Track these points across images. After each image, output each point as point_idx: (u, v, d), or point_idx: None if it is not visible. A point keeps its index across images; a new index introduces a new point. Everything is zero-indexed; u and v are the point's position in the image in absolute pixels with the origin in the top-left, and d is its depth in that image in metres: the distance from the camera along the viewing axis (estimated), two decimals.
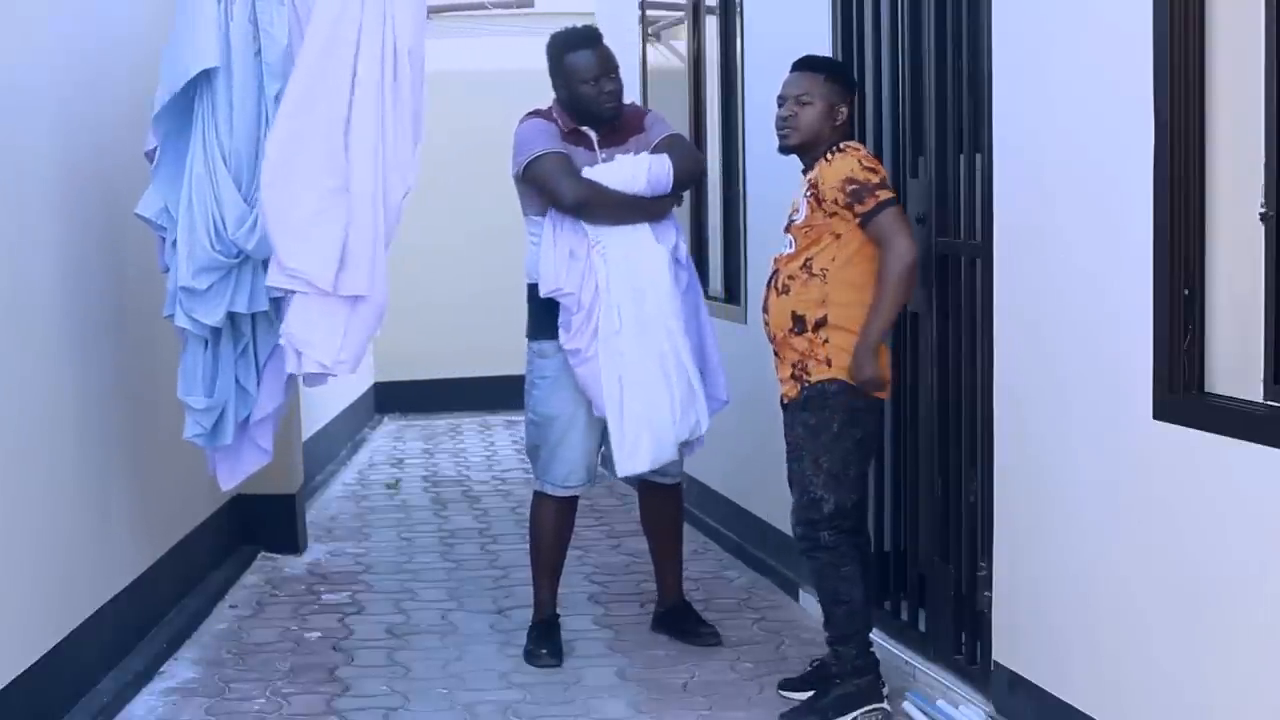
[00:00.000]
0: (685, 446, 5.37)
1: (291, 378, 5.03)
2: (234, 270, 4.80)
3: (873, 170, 4.53)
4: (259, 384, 4.97)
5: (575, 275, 5.18)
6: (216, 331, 4.89)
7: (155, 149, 4.91)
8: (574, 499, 5.51)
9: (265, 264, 4.81)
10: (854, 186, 4.48)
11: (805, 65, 4.74)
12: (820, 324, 4.55)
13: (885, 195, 4.49)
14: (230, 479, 5.13)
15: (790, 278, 4.61)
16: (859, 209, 4.48)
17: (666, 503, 5.64)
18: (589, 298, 5.18)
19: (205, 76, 4.77)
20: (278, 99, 4.79)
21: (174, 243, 4.84)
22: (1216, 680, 3.50)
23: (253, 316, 4.92)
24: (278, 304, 4.90)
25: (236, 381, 4.94)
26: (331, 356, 4.77)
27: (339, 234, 4.67)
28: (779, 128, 4.70)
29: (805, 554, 4.71)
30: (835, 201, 4.50)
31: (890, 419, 5.10)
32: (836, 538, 4.61)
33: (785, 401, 4.70)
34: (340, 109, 4.68)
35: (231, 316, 4.86)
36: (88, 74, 5.07)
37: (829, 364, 4.55)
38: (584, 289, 5.18)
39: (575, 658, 5.41)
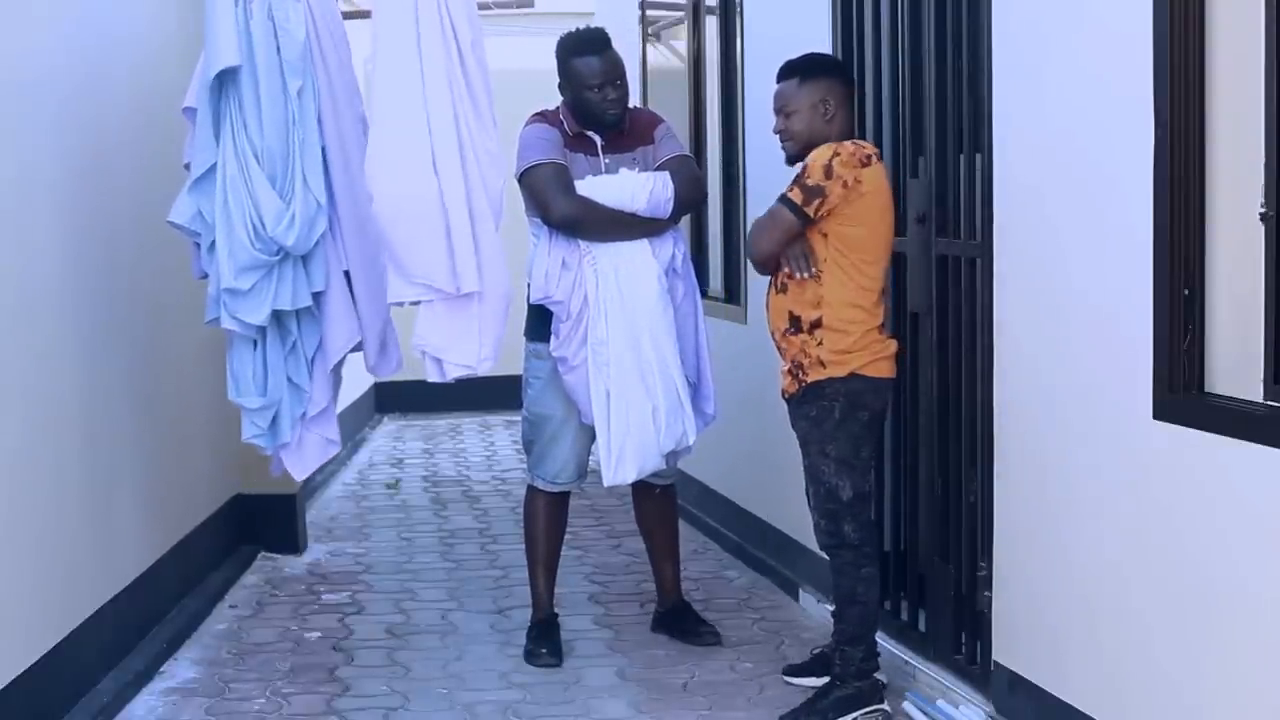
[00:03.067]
0: (671, 455, 5.36)
1: (336, 367, 5.09)
2: (275, 268, 4.82)
3: (825, 172, 4.45)
4: (311, 379, 4.99)
5: (566, 284, 5.16)
6: (263, 331, 4.90)
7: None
8: (565, 494, 5.53)
9: (305, 260, 4.87)
10: (799, 172, 4.52)
11: (780, 75, 4.76)
12: (815, 325, 4.56)
13: (791, 195, 4.48)
14: (303, 471, 5.19)
15: (788, 276, 4.63)
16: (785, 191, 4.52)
17: (660, 504, 5.65)
18: (578, 306, 5.16)
19: (231, 78, 4.78)
20: (300, 95, 4.82)
21: (209, 247, 4.85)
22: (1216, 680, 3.51)
23: (296, 313, 4.93)
24: (319, 299, 4.95)
25: (288, 379, 4.95)
26: (474, 357, 5.00)
27: (444, 239, 4.83)
28: (780, 143, 4.74)
29: (828, 550, 4.69)
30: None
31: (890, 419, 5.10)
32: (861, 535, 4.61)
33: (786, 396, 4.72)
34: (418, 117, 4.80)
35: (276, 315, 4.87)
36: (88, 74, 5.07)
37: (823, 364, 4.56)
38: (574, 298, 5.16)
39: (575, 658, 5.41)
